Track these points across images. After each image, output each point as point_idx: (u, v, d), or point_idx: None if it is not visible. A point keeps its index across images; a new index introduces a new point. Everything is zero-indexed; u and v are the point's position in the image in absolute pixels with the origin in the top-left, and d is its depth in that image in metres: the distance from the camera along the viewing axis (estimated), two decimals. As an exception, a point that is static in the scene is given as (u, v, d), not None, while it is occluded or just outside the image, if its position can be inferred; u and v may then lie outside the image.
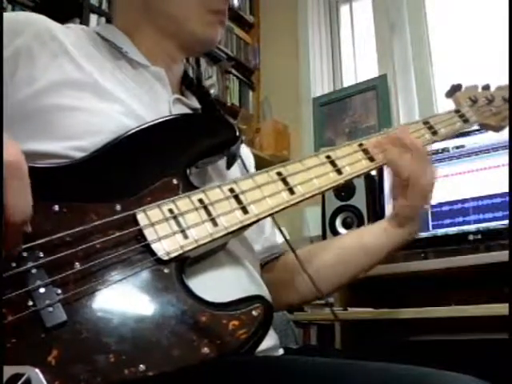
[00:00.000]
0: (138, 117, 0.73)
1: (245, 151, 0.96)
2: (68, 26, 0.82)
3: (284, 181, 0.72)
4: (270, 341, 0.74)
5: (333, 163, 0.77)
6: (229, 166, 0.78)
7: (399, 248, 0.88)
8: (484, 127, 0.99)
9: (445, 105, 1.03)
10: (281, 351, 0.80)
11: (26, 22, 0.74)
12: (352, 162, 0.79)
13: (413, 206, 0.84)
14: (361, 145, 0.82)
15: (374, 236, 0.89)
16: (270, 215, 0.70)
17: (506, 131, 1.00)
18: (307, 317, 1.87)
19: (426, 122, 0.90)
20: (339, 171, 0.77)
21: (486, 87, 1.00)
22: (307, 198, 0.73)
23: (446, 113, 0.94)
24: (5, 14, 0.73)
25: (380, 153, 0.82)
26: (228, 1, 0.86)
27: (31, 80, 0.70)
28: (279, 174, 0.72)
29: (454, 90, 0.99)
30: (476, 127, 1.04)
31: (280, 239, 0.95)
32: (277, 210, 0.70)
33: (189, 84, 0.92)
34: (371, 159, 0.81)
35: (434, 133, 0.89)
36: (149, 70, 0.82)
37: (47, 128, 0.68)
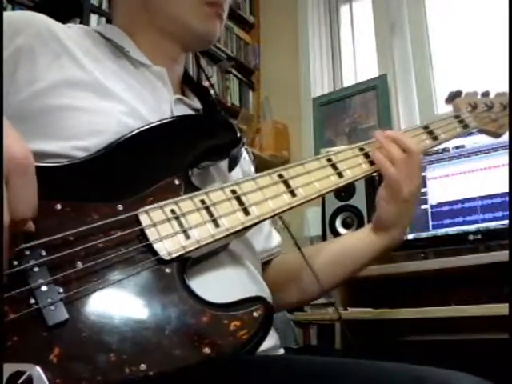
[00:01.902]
0: (140, 117, 0.73)
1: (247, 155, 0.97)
2: (69, 25, 0.82)
3: (285, 183, 0.72)
4: (270, 341, 0.74)
5: (334, 166, 0.78)
6: (230, 168, 0.78)
7: (383, 253, 0.87)
8: (483, 133, 1.01)
9: (445, 105, 1.04)
10: (281, 351, 0.80)
11: (26, 22, 0.74)
12: (353, 165, 0.80)
13: (395, 212, 0.83)
14: (362, 149, 0.83)
15: (355, 241, 0.89)
16: (271, 217, 0.70)
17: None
18: (307, 317, 1.88)
19: (425, 127, 0.91)
20: (340, 174, 0.78)
21: (486, 94, 1.01)
22: (308, 201, 0.74)
23: (445, 117, 0.95)
24: (5, 13, 0.73)
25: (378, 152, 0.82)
26: None
27: (33, 80, 0.70)
28: (281, 176, 0.73)
29: (453, 97, 1.00)
30: (475, 129, 1.06)
31: (274, 242, 0.96)
32: (278, 212, 0.70)
33: (190, 83, 0.93)
34: (372, 163, 0.82)
35: (435, 138, 0.91)
36: (150, 70, 0.82)
37: (50, 128, 0.68)
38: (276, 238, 0.97)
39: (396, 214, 0.83)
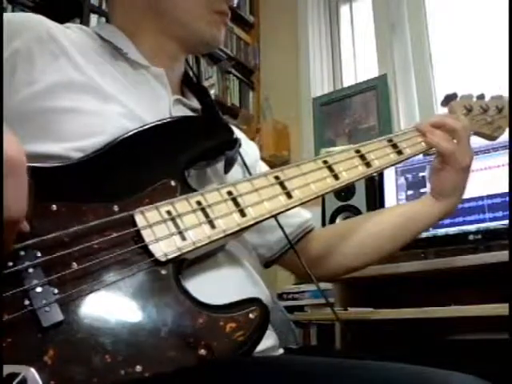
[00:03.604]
0: (138, 118, 0.73)
1: (245, 148, 0.96)
2: (67, 25, 0.82)
3: (282, 185, 0.72)
4: (269, 341, 0.74)
5: (330, 168, 0.78)
6: (226, 170, 0.78)
7: (438, 220, 0.96)
8: (478, 136, 1.02)
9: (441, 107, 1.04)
10: (281, 351, 0.80)
11: (24, 24, 0.74)
12: (349, 167, 0.80)
13: (452, 181, 0.92)
14: (358, 151, 0.83)
15: (419, 207, 0.96)
16: (267, 218, 0.70)
17: (506, 131, 1.01)
18: (307, 317, 1.87)
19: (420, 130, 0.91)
20: (336, 176, 0.78)
21: (481, 96, 1.02)
22: (304, 203, 0.74)
23: None
24: (4, 15, 0.73)
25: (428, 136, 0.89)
26: (230, 2, 0.87)
27: (31, 81, 0.70)
28: (277, 177, 0.73)
29: (448, 99, 1.00)
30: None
31: (308, 214, 1.01)
32: (274, 213, 0.70)
33: (189, 83, 0.92)
34: (368, 165, 0.82)
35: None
36: (149, 71, 0.82)
37: (47, 129, 0.68)
38: (305, 213, 1.00)
39: (456, 181, 0.92)
